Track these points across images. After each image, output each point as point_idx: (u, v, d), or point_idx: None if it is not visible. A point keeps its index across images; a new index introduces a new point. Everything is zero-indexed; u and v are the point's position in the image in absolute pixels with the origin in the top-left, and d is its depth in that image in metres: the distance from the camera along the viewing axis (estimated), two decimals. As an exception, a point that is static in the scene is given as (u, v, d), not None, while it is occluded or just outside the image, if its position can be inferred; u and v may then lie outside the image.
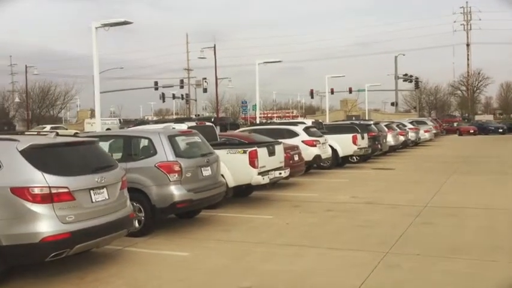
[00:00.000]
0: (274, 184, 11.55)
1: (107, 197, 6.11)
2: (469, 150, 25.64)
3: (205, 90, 67.28)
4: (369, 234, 7.72)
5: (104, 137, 8.61)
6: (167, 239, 7.75)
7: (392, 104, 68.39)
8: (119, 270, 6.24)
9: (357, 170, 17.24)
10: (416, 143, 30.29)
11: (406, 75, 67.27)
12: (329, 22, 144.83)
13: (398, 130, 25.89)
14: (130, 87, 75.98)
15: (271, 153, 10.75)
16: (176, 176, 7.81)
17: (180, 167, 7.85)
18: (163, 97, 66.80)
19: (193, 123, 11.16)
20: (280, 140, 14.52)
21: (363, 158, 19.93)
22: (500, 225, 8.22)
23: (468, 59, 77.74)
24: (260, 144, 10.86)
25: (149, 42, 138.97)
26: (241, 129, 16.70)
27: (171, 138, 8.14)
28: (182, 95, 72.82)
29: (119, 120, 58.47)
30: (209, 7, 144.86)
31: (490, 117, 67.86)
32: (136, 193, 7.86)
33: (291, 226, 8.51)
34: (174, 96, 70.99)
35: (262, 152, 10.33)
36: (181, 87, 67.35)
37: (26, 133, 7.67)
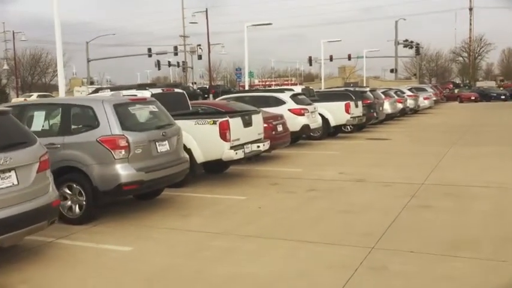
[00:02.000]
0: (252, 158, 10.23)
1: (16, 182, 4.80)
2: (471, 119, 24.27)
3: (199, 57, 65.46)
4: (353, 222, 6.45)
5: (37, 106, 7.25)
6: (112, 228, 6.49)
7: (391, 70, 66.52)
8: (34, 272, 4.99)
9: (349, 141, 15.92)
10: (416, 111, 28.90)
11: (406, 41, 65.13)
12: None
13: (396, 97, 24.45)
14: (124, 55, 74.18)
15: (248, 123, 9.39)
16: (122, 152, 6.48)
17: (128, 141, 6.52)
18: (158, 64, 65.10)
19: (159, 90, 9.76)
20: (264, 109, 13.24)
21: (358, 127, 18.61)
22: (509, 209, 6.95)
23: (471, 24, 75.36)
24: (234, 113, 9.50)
25: (145, 8, 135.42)
26: (222, 97, 15.29)
27: (118, 108, 6.77)
28: (178, 63, 70.98)
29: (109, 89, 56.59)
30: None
31: (491, 84, 65.99)
32: (76, 173, 6.58)
33: (264, 210, 7.25)
34: (169, 64, 69.26)
35: (235, 122, 8.97)
36: (176, 54, 65.58)
37: None
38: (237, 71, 50.99)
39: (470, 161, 11.14)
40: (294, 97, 14.40)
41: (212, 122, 8.72)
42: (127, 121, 6.78)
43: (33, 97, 42.48)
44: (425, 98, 30.77)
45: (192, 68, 74.50)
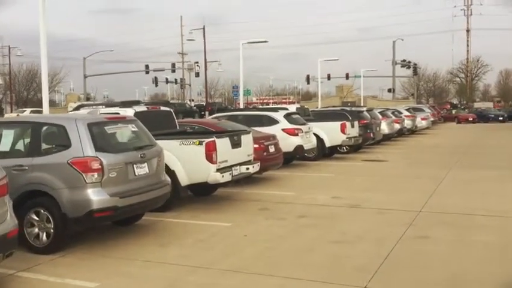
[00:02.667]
0: (241, 181, 9.71)
1: (-35, 212, 4.28)
2: (469, 140, 23.86)
3: (197, 75, 65.35)
4: (345, 255, 5.92)
5: (8, 124, 6.76)
6: (80, 259, 5.93)
7: (389, 90, 66.40)
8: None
9: (345, 162, 15.43)
10: (413, 131, 28.51)
11: (404, 61, 65.14)
12: (328, 7, 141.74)
13: (393, 117, 24.06)
14: (122, 71, 74.04)
15: (236, 144, 8.90)
16: (95, 176, 5.96)
17: (101, 164, 6.00)
18: (155, 81, 64.81)
19: (143, 108, 9.29)
20: (257, 128, 12.81)
21: (354, 147, 18.14)
22: (514, 242, 6.44)
23: (468, 45, 75.74)
24: (221, 134, 9.02)
25: (144, 26, 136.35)
26: (215, 115, 14.85)
27: (93, 127, 6.27)
28: (176, 80, 70.87)
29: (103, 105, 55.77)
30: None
31: (489, 105, 65.90)
32: (44, 198, 6.05)
33: (249, 239, 6.71)
34: (167, 81, 69.23)
35: (223, 143, 8.48)
36: (173, 71, 65.55)
37: None
38: (234, 89, 50.70)
39: (470, 186, 10.64)
40: (288, 116, 13.95)
41: (198, 143, 8.22)
42: (102, 142, 6.28)
43: (26, 112, 41.99)
44: (422, 119, 30.41)
45: (189, 85, 74.44)
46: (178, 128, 10.11)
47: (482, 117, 45.88)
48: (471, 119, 44.74)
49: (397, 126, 24.10)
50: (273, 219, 7.81)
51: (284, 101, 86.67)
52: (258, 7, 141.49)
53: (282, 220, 7.75)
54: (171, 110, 10.04)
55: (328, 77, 68.05)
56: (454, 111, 53.32)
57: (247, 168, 9.18)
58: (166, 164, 8.22)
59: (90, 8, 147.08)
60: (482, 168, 13.28)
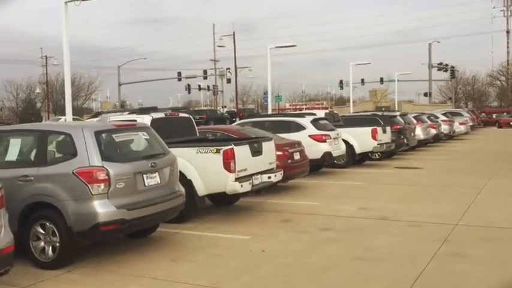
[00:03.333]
0: (261, 191, 9.23)
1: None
2: (511, 146, 22.57)
3: (228, 81, 65.48)
4: (369, 275, 5.36)
5: (14, 133, 6.54)
6: (86, 275, 5.61)
7: (425, 94, 64.56)
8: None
9: (376, 170, 14.72)
10: (451, 137, 27.30)
11: (441, 64, 63.31)
12: (362, 11, 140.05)
13: (429, 122, 23.06)
14: (155, 78, 75.02)
15: (257, 152, 8.44)
16: (101, 187, 5.64)
17: (108, 174, 5.67)
18: (188, 88, 65.25)
19: (161, 114, 8.98)
20: (284, 135, 12.36)
21: (387, 154, 17.38)
22: None
23: (508, 47, 72.79)
24: (240, 141, 8.60)
25: (179, 34, 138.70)
26: (239, 121, 14.46)
27: (100, 135, 5.96)
28: (208, 86, 71.31)
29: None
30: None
31: (532, 108, 62.95)
32: (50, 210, 5.76)
33: (267, 255, 6.22)
34: (199, 88, 69.66)
35: (242, 151, 8.04)
36: (205, 78, 65.98)
37: None
38: (265, 95, 50.30)
39: (513, 196, 9.81)
40: (315, 122, 13.40)
41: (215, 150, 7.82)
42: (109, 150, 5.96)
43: (61, 120, 42.93)
44: (461, 123, 29.12)
45: (222, 92, 74.77)
46: (198, 135, 9.75)
47: (525, 121, 43.72)
48: (513, 124, 42.72)
49: (433, 131, 23.08)
50: (295, 232, 7.30)
51: (317, 106, 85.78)
52: (291, 13, 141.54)
53: (304, 233, 7.24)
54: (190, 117, 9.70)
55: (362, 82, 66.89)
56: (494, 115, 51.13)
57: (269, 177, 8.71)
58: (182, 173, 7.90)
59: (127, 19, 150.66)
60: (526, 177, 12.33)
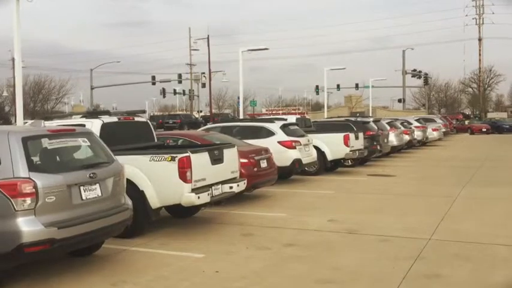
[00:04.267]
0: (222, 202, 8.54)
1: None
2: (484, 152, 22.47)
3: (203, 85, 64.81)
4: (333, 301, 4.74)
5: None
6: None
7: (399, 100, 65.01)
8: None
9: (348, 177, 14.21)
10: (424, 143, 27.19)
11: (414, 70, 63.91)
12: (339, 18, 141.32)
13: (402, 128, 22.79)
14: (128, 82, 73.62)
15: (217, 160, 7.77)
16: (27, 201, 4.87)
17: (35, 187, 4.91)
18: (163, 92, 64.32)
19: (113, 119, 8.22)
20: (252, 141, 11.74)
21: (360, 160, 16.93)
22: (546, 283, 5.20)
23: (480, 54, 74.14)
24: (199, 148, 7.93)
25: (155, 38, 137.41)
26: (205, 127, 13.77)
27: (29, 141, 5.19)
28: (184, 91, 70.43)
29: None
30: (224, 3, 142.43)
31: (503, 115, 64.14)
32: (-33, 228, 4.95)
33: (221, 277, 5.54)
34: (175, 92, 68.78)
35: (200, 159, 7.36)
36: (180, 82, 65.17)
37: None
38: (239, 99, 49.69)
39: (488, 206, 9.38)
40: (285, 128, 12.81)
41: (170, 158, 7.11)
42: (39, 159, 5.21)
43: (27, 124, 41.44)
44: (434, 130, 29.08)
45: (198, 96, 73.94)
46: (156, 140, 9.02)
47: (497, 127, 44.28)
48: (485, 130, 43.20)
49: (406, 137, 22.85)
50: (255, 249, 6.64)
51: (293, 112, 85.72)
52: (268, 19, 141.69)
53: (266, 250, 6.59)
54: (148, 121, 8.96)
55: (338, 87, 67.02)
56: (467, 122, 51.76)
57: (231, 187, 8.03)
58: (134, 184, 7.19)
59: (104, 22, 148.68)
60: (501, 185, 11.99)
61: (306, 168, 13.81)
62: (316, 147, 14.11)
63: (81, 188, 5.38)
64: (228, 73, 64.83)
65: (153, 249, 6.73)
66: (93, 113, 8.38)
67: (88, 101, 74.99)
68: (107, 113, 8.61)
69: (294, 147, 12.40)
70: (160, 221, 8.11)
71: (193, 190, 7.13)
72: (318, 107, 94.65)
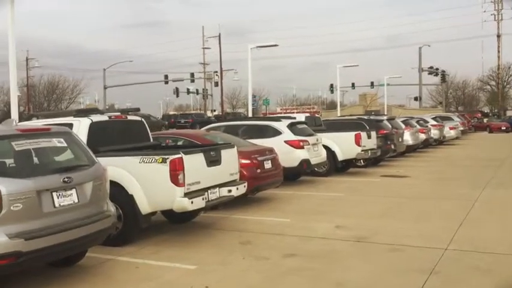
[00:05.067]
0: (219, 206, 7.96)
1: None
2: (504, 151, 21.53)
3: (216, 84, 64.59)
4: (333, 326, 4.12)
5: None
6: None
7: (415, 98, 63.73)
8: None
9: (360, 178, 13.52)
10: (441, 142, 26.29)
11: (431, 68, 62.53)
12: (355, 16, 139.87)
13: (418, 127, 22.00)
14: (141, 81, 73.65)
15: (214, 161, 7.19)
16: (-10, 210, 4.35)
17: (-1, 194, 4.39)
18: (177, 92, 64.07)
19: (104, 117, 7.69)
20: (258, 140, 11.17)
21: (374, 160, 16.22)
22: None
23: (499, 51, 72.31)
24: (193, 149, 7.36)
25: (171, 38, 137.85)
26: (210, 125, 13.22)
27: (-5, 143, 4.68)
28: (197, 90, 70.17)
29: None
30: (238, 2, 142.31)
31: (523, 113, 62.43)
32: None
33: (210, 293, 4.97)
34: (188, 91, 68.54)
35: (194, 160, 6.79)
36: (192, 81, 65.04)
37: None
38: (253, 98, 49.18)
39: (510, 211, 8.63)
40: (292, 126, 12.18)
41: (161, 160, 6.55)
42: (4, 162, 4.68)
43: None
44: (451, 128, 28.14)
45: (211, 96, 73.67)
46: (152, 140, 8.48)
47: (517, 126, 42.96)
48: (504, 128, 41.91)
49: (422, 136, 22.06)
50: (253, 259, 6.05)
51: (308, 110, 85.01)
52: (283, 18, 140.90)
53: (264, 261, 5.99)
54: (143, 120, 8.40)
55: (353, 86, 66.02)
56: (485, 120, 50.40)
57: (230, 191, 7.45)
58: (123, 187, 6.66)
59: (122, 23, 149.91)
60: (523, 187, 11.21)
61: (316, 169, 13.17)
62: (326, 147, 13.46)
63: (54, 194, 4.84)
64: (241, 72, 64.35)
65: (142, 258, 6.18)
66: (82, 111, 7.86)
67: (105, 101, 75.27)
68: (96, 111, 8.10)
69: (302, 147, 11.76)
70: (155, 227, 7.57)
71: (186, 194, 6.56)
72: (333, 105, 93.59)
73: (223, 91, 52.04)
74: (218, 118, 47.98)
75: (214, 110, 74.44)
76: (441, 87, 69.69)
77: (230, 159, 7.68)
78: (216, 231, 7.58)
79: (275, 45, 20.01)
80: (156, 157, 6.59)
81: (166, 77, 64.99)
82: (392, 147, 16.83)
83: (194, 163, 6.79)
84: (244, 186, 7.86)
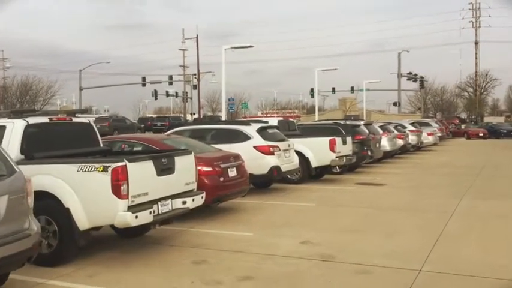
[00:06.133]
0: (171, 220, 7.17)
1: None
2: (483, 158, 21.21)
3: (194, 87, 63.57)
4: None
5: None
6: None
7: (394, 104, 63.90)
8: None
9: (334, 186, 12.88)
10: (419, 148, 25.94)
11: (410, 73, 62.75)
12: (337, 21, 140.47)
13: (396, 132, 21.53)
14: (118, 83, 72.19)
15: (166, 170, 6.42)
16: None
17: None
18: (155, 94, 63.05)
19: (43, 119, 6.84)
20: (224, 146, 10.42)
21: (350, 166, 15.62)
22: None
23: (476, 58, 73.09)
24: (139, 156, 6.59)
25: (151, 40, 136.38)
26: (174, 129, 12.43)
27: None
28: (176, 93, 69.19)
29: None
30: (222, 7, 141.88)
31: (500, 120, 63.07)
32: None
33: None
34: (167, 94, 67.62)
35: (140, 169, 6.02)
36: (171, 83, 64.22)
37: None
38: (230, 101, 48.51)
39: (489, 225, 8.05)
40: (262, 131, 11.46)
41: (102, 168, 5.75)
42: None
43: None
44: (429, 134, 27.83)
45: (191, 99, 72.73)
46: (102, 145, 7.65)
47: (494, 132, 43.13)
48: (482, 135, 42.00)
49: (400, 142, 21.59)
50: (203, 284, 5.29)
51: (289, 115, 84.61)
52: (266, 22, 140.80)
53: (215, 285, 5.24)
54: (91, 122, 7.58)
55: (333, 90, 66.00)
56: (463, 126, 50.62)
57: (184, 202, 6.69)
58: (58, 199, 5.85)
59: (103, 24, 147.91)
60: (502, 197, 10.69)
61: (288, 176, 12.50)
62: (299, 153, 12.79)
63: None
64: (221, 74, 63.66)
65: (75, 282, 5.38)
66: (16, 111, 7.01)
67: (83, 102, 73.48)
68: (32, 111, 7.26)
69: (272, 153, 11.06)
70: (101, 241, 6.78)
71: (130, 208, 5.78)
72: (313, 110, 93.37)
73: (200, 94, 51.09)
74: (195, 120, 47.11)
75: (194, 113, 73.55)
76: (420, 93, 70.03)
77: (186, 167, 6.92)
78: (168, 249, 6.79)
79: (250, 47, 19.36)
80: (96, 165, 5.80)
81: (144, 79, 63.99)
82: (369, 153, 16.27)
83: (141, 172, 6.02)
84: (202, 197, 7.12)
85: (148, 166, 6.17)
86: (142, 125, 45.84)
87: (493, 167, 17.40)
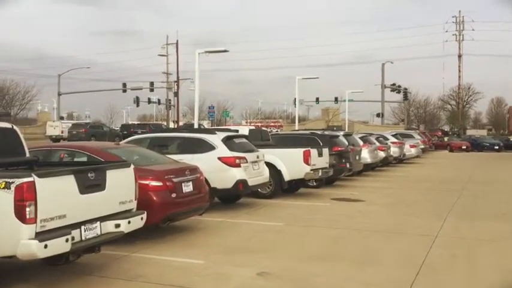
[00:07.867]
0: (96, 248, 6.01)
1: None
2: (466, 172, 20.42)
3: (175, 94, 62.35)
4: None
5: None
6: None
7: (378, 115, 63.48)
8: None
9: (308, 202, 11.82)
10: (401, 160, 25.14)
11: (394, 85, 62.47)
12: (322, 32, 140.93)
13: (377, 144, 20.66)
14: (99, 89, 70.57)
15: (92, 186, 5.29)
16: None
17: None
18: (137, 101, 61.78)
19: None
20: (186, 157, 9.37)
21: (328, 179, 14.60)
22: None
23: (460, 71, 73.27)
24: (54, 170, 5.45)
25: (137, 46, 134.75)
26: (129, 138, 11.28)
27: None
28: (159, 100, 68.05)
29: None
30: (210, 16, 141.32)
31: (483, 132, 63.04)
32: None
33: None
34: (149, 101, 66.49)
35: (56, 185, 4.88)
36: (152, 90, 63.18)
37: None
38: (210, 109, 47.44)
39: (477, 253, 7.06)
40: (228, 141, 10.36)
41: (4, 185, 4.61)
42: None
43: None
44: (411, 146, 27.05)
45: (174, 106, 71.52)
46: (28, 154, 6.49)
47: (477, 145, 42.71)
48: (465, 147, 41.53)
49: (381, 154, 20.72)
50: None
51: (273, 124, 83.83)
52: (253, 32, 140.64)
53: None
54: (14, 128, 6.42)
55: (317, 100, 65.57)
56: (446, 139, 50.24)
57: (118, 226, 5.57)
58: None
59: (91, 30, 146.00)
60: (489, 218, 9.75)
61: (259, 190, 11.43)
62: (270, 165, 11.73)
63: None
64: (205, 83, 62.56)
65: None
66: None
67: (61, 108, 71.54)
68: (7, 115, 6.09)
69: (238, 165, 9.97)
70: (21, 270, 5.60)
71: (38, 234, 4.63)
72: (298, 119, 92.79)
73: (179, 101, 49.94)
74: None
75: (176, 121, 72.33)
76: (403, 105, 69.80)
77: (122, 183, 5.80)
78: (97, 281, 5.62)
79: (225, 51, 18.38)
80: (-1, 180, 4.65)
81: (124, 85, 62.74)
82: (348, 165, 15.27)
83: (57, 189, 4.89)
84: (142, 218, 6.00)
85: (68, 182, 5.04)
86: (125, 132, 44.39)
87: (477, 182, 16.57)
